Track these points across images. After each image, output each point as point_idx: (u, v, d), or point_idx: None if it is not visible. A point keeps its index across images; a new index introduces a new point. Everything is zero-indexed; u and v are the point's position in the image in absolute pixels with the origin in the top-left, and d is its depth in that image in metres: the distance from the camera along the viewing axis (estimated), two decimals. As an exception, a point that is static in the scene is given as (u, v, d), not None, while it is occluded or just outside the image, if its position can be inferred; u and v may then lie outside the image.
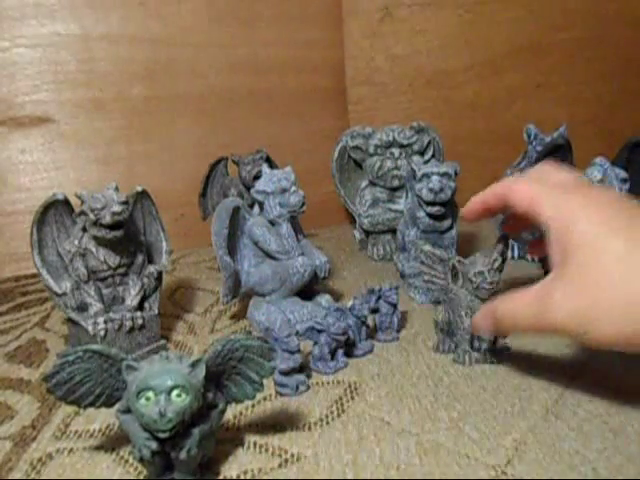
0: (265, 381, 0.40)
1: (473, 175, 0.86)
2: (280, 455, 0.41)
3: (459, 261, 0.52)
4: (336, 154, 0.85)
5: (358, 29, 0.97)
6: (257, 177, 0.73)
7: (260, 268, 0.61)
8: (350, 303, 0.55)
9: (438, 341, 0.55)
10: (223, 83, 0.91)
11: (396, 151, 0.81)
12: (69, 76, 0.84)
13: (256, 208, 0.64)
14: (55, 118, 0.84)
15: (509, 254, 0.74)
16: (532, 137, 0.75)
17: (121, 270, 0.56)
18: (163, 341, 0.58)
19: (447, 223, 0.68)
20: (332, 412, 0.46)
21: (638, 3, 1.07)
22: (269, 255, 0.61)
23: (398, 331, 0.58)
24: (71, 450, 0.43)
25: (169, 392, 0.35)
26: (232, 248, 0.60)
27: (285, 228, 0.60)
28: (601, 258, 0.38)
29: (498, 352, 0.52)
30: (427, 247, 0.55)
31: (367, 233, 0.85)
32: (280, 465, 0.40)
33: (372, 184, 0.84)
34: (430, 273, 0.55)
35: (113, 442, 0.43)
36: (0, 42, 0.81)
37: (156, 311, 0.58)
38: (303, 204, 0.60)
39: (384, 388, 0.49)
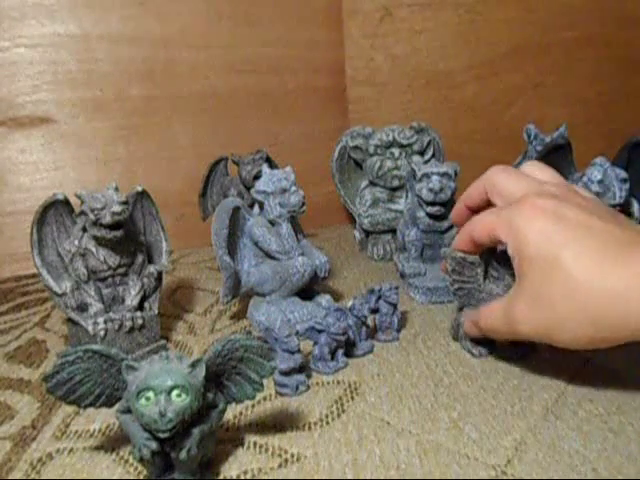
0: (265, 381, 0.40)
1: (473, 175, 0.86)
2: (280, 455, 0.41)
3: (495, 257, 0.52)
4: (336, 154, 0.85)
5: (358, 29, 0.97)
6: (257, 177, 0.73)
7: (260, 268, 0.61)
8: (350, 303, 0.55)
9: (470, 348, 0.53)
10: (223, 83, 0.91)
11: (396, 151, 0.81)
12: (69, 76, 0.84)
13: (256, 208, 0.64)
14: (55, 118, 0.84)
15: None
16: (532, 137, 0.75)
17: (121, 270, 0.56)
18: (163, 341, 0.58)
19: (447, 223, 0.68)
20: (332, 412, 0.46)
21: (638, 3, 1.07)
22: (269, 255, 0.61)
23: (398, 331, 0.58)
24: (71, 450, 0.43)
25: (169, 392, 0.35)
26: (232, 248, 0.60)
27: (285, 228, 0.60)
28: (552, 270, 0.41)
29: (513, 348, 0.53)
30: (459, 253, 0.52)
31: (367, 233, 0.85)
32: (280, 465, 0.40)
33: (372, 184, 0.84)
34: (460, 280, 0.52)
35: (113, 442, 0.43)
36: (0, 42, 0.81)
37: (156, 311, 0.58)
38: (303, 204, 0.60)
39: (384, 388, 0.49)
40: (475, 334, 0.51)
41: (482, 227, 0.48)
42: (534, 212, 0.43)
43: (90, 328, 0.54)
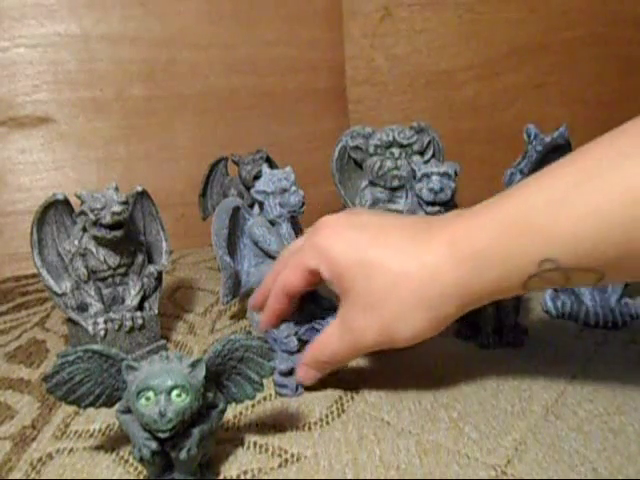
0: (265, 381, 0.40)
1: (473, 175, 0.86)
2: (280, 455, 0.41)
3: None
4: (336, 154, 0.85)
5: (358, 29, 0.97)
6: (257, 177, 0.73)
7: (260, 268, 0.61)
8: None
9: (459, 328, 0.56)
10: (223, 83, 0.91)
11: (396, 151, 0.81)
12: (69, 76, 0.84)
13: (256, 208, 0.64)
14: (55, 118, 0.84)
15: None
16: (532, 137, 0.75)
17: (121, 270, 0.56)
18: (163, 341, 0.58)
19: (447, 223, 0.68)
20: (332, 412, 0.46)
21: (638, 3, 1.07)
22: (269, 255, 0.61)
23: (398, 331, 0.58)
24: (71, 450, 0.43)
25: (169, 392, 0.35)
26: (232, 248, 0.60)
27: (285, 228, 0.60)
28: (370, 272, 0.41)
29: (519, 334, 0.54)
30: None
31: (367, 233, 0.85)
32: (280, 465, 0.40)
33: (372, 184, 0.84)
34: None
35: (113, 442, 0.43)
36: (0, 42, 0.81)
37: (156, 311, 0.58)
38: (303, 204, 0.60)
39: (384, 388, 0.49)
40: (314, 376, 0.47)
41: (292, 270, 0.46)
42: (331, 228, 0.44)
43: (90, 328, 0.54)
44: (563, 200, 0.35)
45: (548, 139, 0.74)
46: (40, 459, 0.42)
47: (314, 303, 0.62)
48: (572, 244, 0.35)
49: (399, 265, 0.40)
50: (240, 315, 0.65)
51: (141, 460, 0.36)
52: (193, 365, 0.36)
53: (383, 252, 0.41)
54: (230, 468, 0.40)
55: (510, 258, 0.37)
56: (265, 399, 0.48)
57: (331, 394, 0.48)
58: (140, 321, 0.56)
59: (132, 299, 0.56)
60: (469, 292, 0.40)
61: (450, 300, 0.40)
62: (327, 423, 0.44)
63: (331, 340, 0.45)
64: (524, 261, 0.37)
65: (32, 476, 0.40)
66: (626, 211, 0.33)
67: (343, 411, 0.46)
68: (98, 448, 0.43)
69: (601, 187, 0.34)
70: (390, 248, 0.41)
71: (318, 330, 0.52)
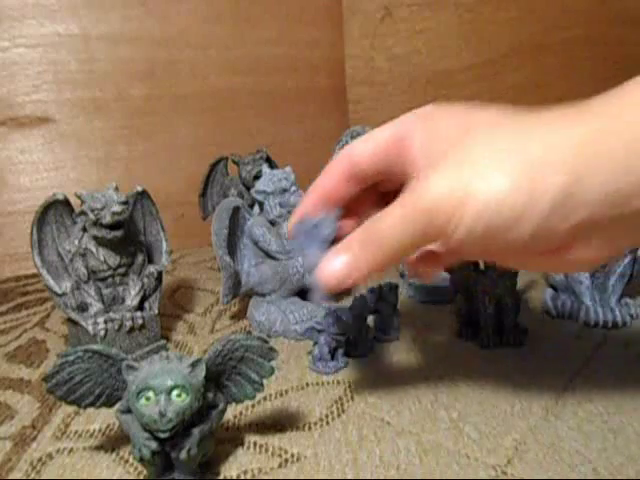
0: (265, 381, 0.40)
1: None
2: (280, 455, 0.41)
3: None
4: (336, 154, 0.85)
5: (358, 29, 0.97)
6: (257, 177, 0.73)
7: (260, 268, 0.61)
8: (350, 303, 0.55)
9: (460, 328, 0.57)
10: (223, 83, 0.91)
11: (396, 151, 0.81)
12: (69, 76, 0.84)
13: (256, 208, 0.64)
14: (55, 118, 0.84)
15: None
16: (532, 137, 0.75)
17: (121, 270, 0.56)
18: (163, 341, 0.58)
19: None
20: (332, 412, 0.46)
21: (638, 3, 1.07)
22: (269, 255, 0.61)
23: (398, 331, 0.58)
24: (71, 450, 0.43)
25: (169, 392, 0.35)
26: (232, 248, 0.60)
27: (285, 228, 0.60)
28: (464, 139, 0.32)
29: (519, 334, 0.54)
30: None
31: (367, 233, 0.85)
32: (280, 465, 0.40)
33: (372, 184, 0.84)
34: None
35: (113, 442, 0.43)
36: (0, 42, 0.81)
37: (156, 311, 0.58)
38: (303, 204, 0.60)
39: (384, 388, 0.49)
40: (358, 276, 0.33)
41: (364, 138, 0.37)
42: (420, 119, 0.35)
43: (90, 328, 0.54)
44: None
45: (548, 139, 0.74)
46: (40, 459, 0.42)
47: (314, 302, 0.62)
48: None
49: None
50: (240, 315, 0.65)
51: (141, 460, 0.36)
52: (193, 365, 0.36)
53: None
54: (230, 468, 0.40)
55: None
56: (265, 399, 0.48)
57: (331, 394, 0.48)
58: (140, 321, 0.56)
59: (132, 299, 0.56)
60: None
61: None
62: (327, 423, 0.44)
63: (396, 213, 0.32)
64: None
65: (32, 476, 0.40)
66: None
67: (343, 411, 0.46)
68: (98, 448, 0.43)
69: None
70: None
71: (318, 330, 0.52)
